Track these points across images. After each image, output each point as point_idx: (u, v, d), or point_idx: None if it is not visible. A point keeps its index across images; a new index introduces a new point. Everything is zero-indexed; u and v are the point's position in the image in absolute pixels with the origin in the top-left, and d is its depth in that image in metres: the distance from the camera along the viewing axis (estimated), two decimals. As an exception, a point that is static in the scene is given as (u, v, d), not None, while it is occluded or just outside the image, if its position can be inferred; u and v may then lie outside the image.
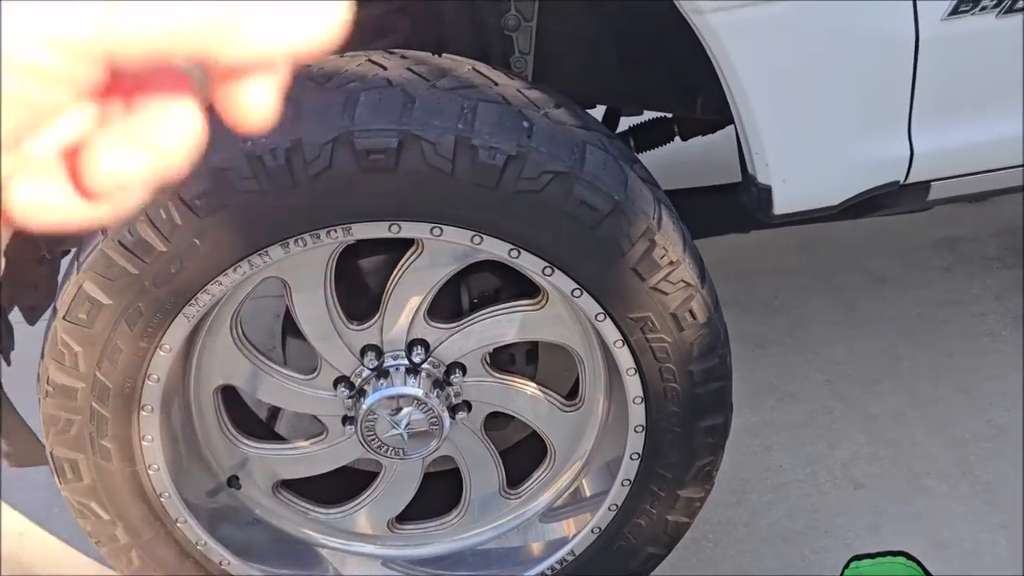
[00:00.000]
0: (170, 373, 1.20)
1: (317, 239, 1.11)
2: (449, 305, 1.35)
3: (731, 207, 1.67)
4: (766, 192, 1.20)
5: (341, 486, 1.50)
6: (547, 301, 1.31)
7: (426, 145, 1.04)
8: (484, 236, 1.12)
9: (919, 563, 1.30)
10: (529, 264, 1.16)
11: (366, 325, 1.29)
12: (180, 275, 1.10)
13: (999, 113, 1.20)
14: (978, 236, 2.58)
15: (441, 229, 1.11)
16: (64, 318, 1.12)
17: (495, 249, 1.14)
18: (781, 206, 1.20)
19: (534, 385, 1.40)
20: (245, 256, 1.10)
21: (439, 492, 1.53)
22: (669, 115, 1.97)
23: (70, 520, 1.93)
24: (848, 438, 1.91)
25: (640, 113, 2.01)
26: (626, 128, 1.98)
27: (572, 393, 1.44)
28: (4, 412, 1.38)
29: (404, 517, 1.50)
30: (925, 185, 1.28)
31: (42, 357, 1.16)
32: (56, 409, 1.17)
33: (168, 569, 1.33)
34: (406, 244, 1.24)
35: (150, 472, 1.25)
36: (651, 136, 1.94)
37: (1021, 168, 1.30)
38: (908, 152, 1.20)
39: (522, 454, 1.52)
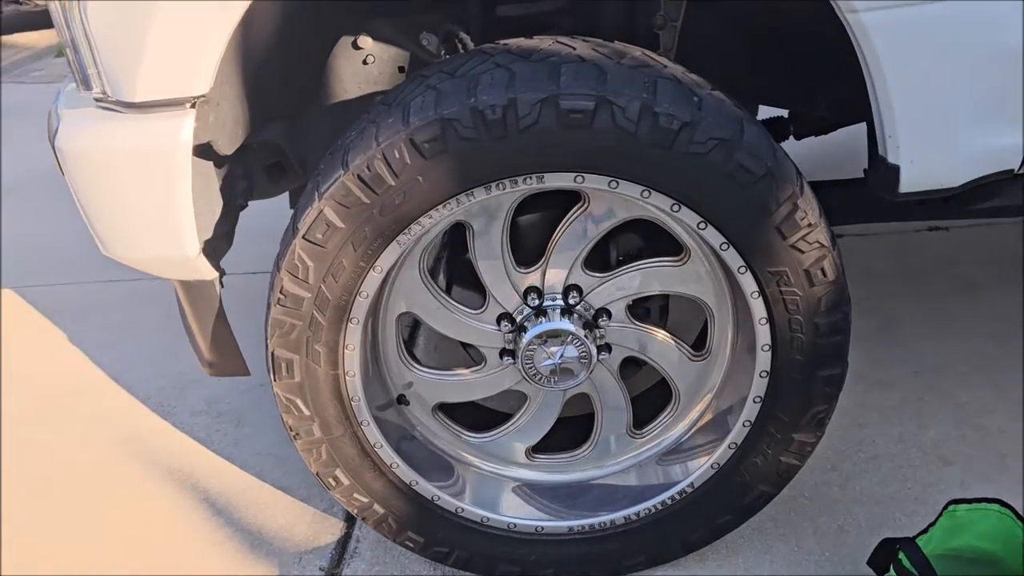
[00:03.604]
0: (374, 293, 1.44)
1: (515, 184, 1.33)
2: (599, 260, 1.56)
3: (850, 199, 1.85)
4: (894, 171, 1.38)
5: (490, 418, 1.72)
6: (688, 259, 1.51)
7: (616, 109, 1.26)
8: (652, 191, 1.33)
9: (1014, 511, 1.45)
10: (686, 219, 1.37)
11: (531, 269, 1.51)
12: (402, 206, 1.33)
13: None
14: (1067, 253, 2.70)
15: (618, 183, 1.33)
16: (304, 237, 1.36)
17: (660, 203, 1.35)
18: (906, 185, 1.39)
19: (666, 334, 1.60)
20: (455, 194, 1.33)
21: (572, 433, 1.73)
22: (785, 114, 2.16)
23: (226, 441, 2.21)
24: (938, 422, 2.05)
25: (756, 112, 2.21)
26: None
27: (698, 346, 1.63)
28: (219, 326, 1.64)
29: (540, 449, 1.71)
30: (1036, 177, 1.45)
31: (278, 270, 1.41)
32: (284, 315, 1.42)
33: (349, 465, 1.56)
34: (571, 201, 1.46)
35: (347, 377, 1.49)
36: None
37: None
38: (1023, 143, 1.37)
39: (649, 401, 1.72)
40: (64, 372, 2.60)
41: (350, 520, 1.93)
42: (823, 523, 1.80)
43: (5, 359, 2.70)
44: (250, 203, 1.84)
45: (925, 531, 1.44)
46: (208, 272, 1.54)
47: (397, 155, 1.29)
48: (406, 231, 1.36)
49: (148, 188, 1.42)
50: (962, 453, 1.95)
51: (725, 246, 1.38)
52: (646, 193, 1.34)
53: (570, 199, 1.47)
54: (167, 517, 1.98)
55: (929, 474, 1.90)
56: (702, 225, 1.36)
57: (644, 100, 1.26)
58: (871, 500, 1.85)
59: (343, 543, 1.87)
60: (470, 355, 1.70)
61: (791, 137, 2.16)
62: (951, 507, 1.48)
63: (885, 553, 1.41)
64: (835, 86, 1.71)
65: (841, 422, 2.08)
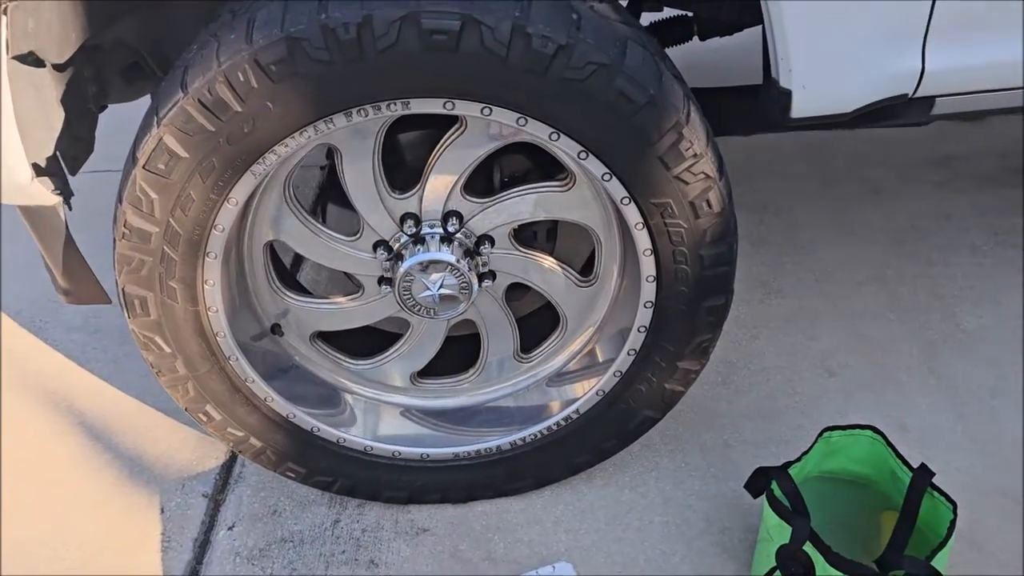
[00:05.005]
0: (232, 225, 1.32)
1: (378, 111, 1.21)
2: (483, 183, 1.47)
3: (745, 109, 1.77)
4: (786, 96, 1.30)
5: (372, 342, 1.65)
6: (573, 184, 1.42)
7: (485, 30, 1.13)
8: (529, 119, 1.23)
9: (885, 437, 1.48)
10: (566, 148, 1.27)
11: (407, 195, 1.41)
12: (252, 135, 1.20)
13: (1003, 37, 1.30)
14: (974, 155, 2.70)
15: (491, 109, 1.22)
16: (144, 167, 1.22)
17: (537, 132, 1.25)
18: (798, 110, 1.31)
19: (553, 260, 1.53)
20: (311, 122, 1.20)
21: (458, 354, 1.68)
22: (690, 14, 2.03)
23: (105, 360, 2.10)
24: (829, 333, 2.07)
25: (660, 9, 2.07)
26: (647, 24, 2.04)
27: (586, 271, 1.58)
28: (69, 253, 1.50)
29: (426, 373, 1.67)
30: (930, 100, 1.39)
31: (120, 202, 1.27)
32: (130, 250, 1.30)
33: (220, 400, 1.49)
34: (449, 122, 1.35)
35: (209, 313, 1.39)
36: (671, 33, 2.00)
37: (1021, 90, 1.41)
38: (920, 68, 1.30)
39: (536, 324, 1.67)
40: (-72, 284, 2.42)
41: (237, 443, 1.87)
42: (709, 439, 1.82)
43: None
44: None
45: (799, 459, 1.46)
46: (46, 197, 1.39)
47: (241, 78, 1.15)
48: (260, 161, 1.24)
49: (-37, 107, 1.25)
50: (847, 364, 1.98)
51: (608, 176, 1.30)
52: (522, 121, 1.23)
53: (450, 119, 1.35)
54: (40, 443, 1.89)
55: (816, 387, 1.93)
56: (583, 155, 1.27)
57: (516, 20, 1.14)
58: (758, 415, 1.87)
59: (228, 467, 1.82)
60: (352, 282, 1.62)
61: (695, 38, 2.05)
62: (826, 433, 1.49)
63: (760, 480, 1.42)
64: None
65: (737, 334, 2.09)
